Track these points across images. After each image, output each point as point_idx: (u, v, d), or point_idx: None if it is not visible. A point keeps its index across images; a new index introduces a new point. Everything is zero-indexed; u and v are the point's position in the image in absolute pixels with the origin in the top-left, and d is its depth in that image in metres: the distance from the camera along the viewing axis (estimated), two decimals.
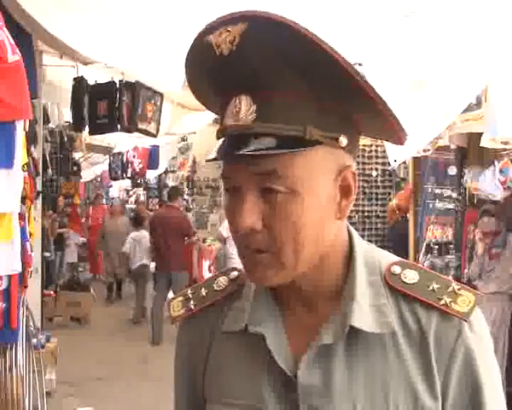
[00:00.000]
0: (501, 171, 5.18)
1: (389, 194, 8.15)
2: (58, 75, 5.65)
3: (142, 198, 16.32)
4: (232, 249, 7.08)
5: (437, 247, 6.32)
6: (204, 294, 0.97)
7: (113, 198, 18.35)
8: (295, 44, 0.75)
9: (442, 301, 0.84)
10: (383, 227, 8.19)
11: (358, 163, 8.02)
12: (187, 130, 8.92)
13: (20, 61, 2.29)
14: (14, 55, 2.26)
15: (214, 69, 0.81)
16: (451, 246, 6.19)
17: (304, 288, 0.86)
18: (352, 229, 0.90)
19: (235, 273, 0.97)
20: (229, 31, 0.76)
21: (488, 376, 0.84)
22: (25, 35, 3.73)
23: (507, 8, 3.17)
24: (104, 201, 15.50)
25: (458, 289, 0.86)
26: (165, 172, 14.92)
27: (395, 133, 0.85)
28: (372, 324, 0.83)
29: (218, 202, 11.01)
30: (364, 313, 0.83)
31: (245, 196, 0.80)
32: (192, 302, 0.97)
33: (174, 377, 1.00)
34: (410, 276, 0.87)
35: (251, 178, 0.79)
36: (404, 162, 7.07)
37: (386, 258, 0.91)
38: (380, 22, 3.71)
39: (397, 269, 0.88)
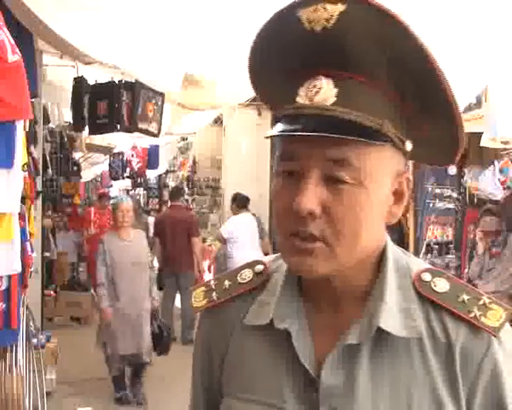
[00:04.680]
0: (501, 171, 5.18)
1: None
2: (58, 75, 5.66)
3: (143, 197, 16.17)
4: (232, 249, 7.07)
5: (437, 247, 6.31)
6: (227, 286, 0.94)
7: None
8: (391, 34, 0.74)
9: (472, 314, 0.82)
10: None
11: None
12: (187, 130, 8.93)
13: (20, 60, 2.29)
14: (14, 55, 2.25)
15: (299, 45, 0.79)
16: (451, 246, 6.19)
17: (335, 286, 0.84)
18: (385, 233, 0.89)
19: (260, 267, 0.94)
20: (326, 8, 0.74)
21: None
22: (25, 34, 3.73)
23: (507, 9, 3.17)
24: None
25: (489, 303, 0.84)
26: (166, 172, 14.92)
27: (454, 149, 0.88)
28: (400, 327, 0.81)
29: (218, 201, 10.96)
30: (392, 316, 0.81)
31: (308, 179, 0.77)
32: (215, 294, 0.94)
33: (192, 366, 0.99)
34: (441, 285, 0.85)
35: (319, 163, 0.77)
36: None
37: (416, 264, 0.89)
38: None
39: (427, 277, 0.86)
